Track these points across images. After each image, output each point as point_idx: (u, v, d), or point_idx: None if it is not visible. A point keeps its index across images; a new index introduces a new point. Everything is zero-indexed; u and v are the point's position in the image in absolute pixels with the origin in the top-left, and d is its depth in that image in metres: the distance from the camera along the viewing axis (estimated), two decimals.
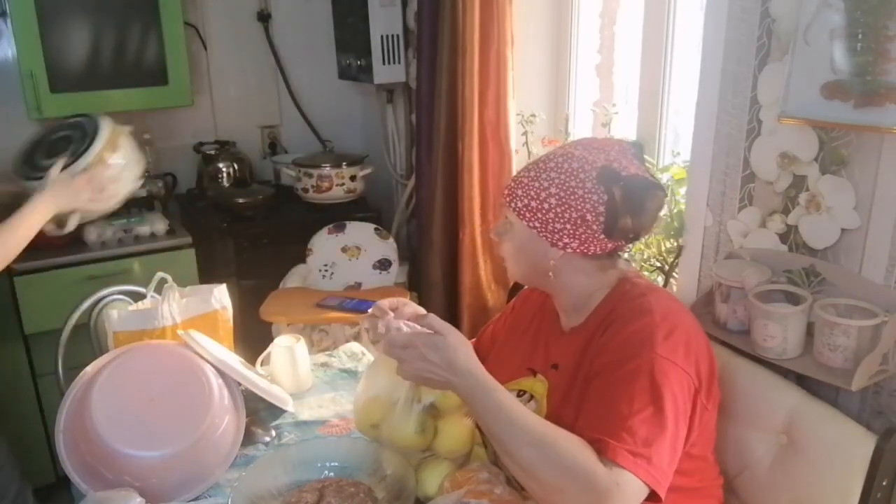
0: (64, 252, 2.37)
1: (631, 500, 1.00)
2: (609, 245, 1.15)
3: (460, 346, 1.07)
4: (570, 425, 1.06)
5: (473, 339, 1.52)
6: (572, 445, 1.00)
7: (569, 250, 1.15)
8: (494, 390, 1.04)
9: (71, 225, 1.70)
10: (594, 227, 1.13)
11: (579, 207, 1.12)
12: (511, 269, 1.26)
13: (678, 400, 1.05)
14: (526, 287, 1.46)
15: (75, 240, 2.44)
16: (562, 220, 1.14)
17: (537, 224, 1.16)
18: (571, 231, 1.14)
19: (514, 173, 1.25)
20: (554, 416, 1.14)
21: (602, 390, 1.08)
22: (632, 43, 2.04)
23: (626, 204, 1.12)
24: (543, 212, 1.15)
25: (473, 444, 1.24)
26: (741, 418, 1.32)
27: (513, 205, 1.18)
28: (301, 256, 2.59)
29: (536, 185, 1.16)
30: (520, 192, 1.17)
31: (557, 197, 1.13)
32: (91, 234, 2.44)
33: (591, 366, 1.13)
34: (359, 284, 2.59)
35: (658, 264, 1.81)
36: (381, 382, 1.24)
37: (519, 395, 1.24)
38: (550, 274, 1.18)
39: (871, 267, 1.27)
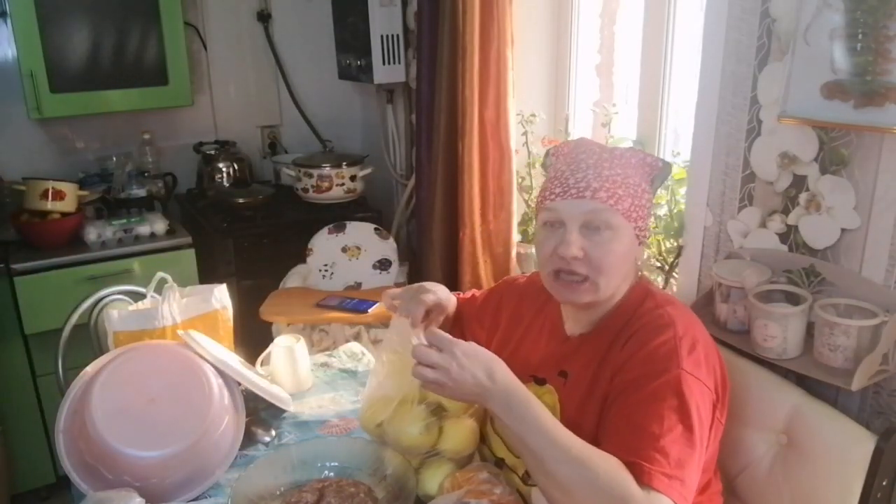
0: (64, 252, 2.37)
1: None
2: None
3: (497, 359, 1.02)
4: (587, 439, 1.03)
5: (459, 294, 1.48)
6: (610, 467, 0.97)
7: (644, 244, 1.14)
8: (532, 402, 1.00)
9: None
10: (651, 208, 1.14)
11: (650, 197, 1.13)
12: (601, 282, 1.10)
13: (702, 416, 1.03)
14: (512, 287, 1.40)
15: (75, 240, 2.45)
16: (649, 213, 1.12)
17: (640, 223, 1.10)
18: (648, 223, 1.13)
19: (582, 175, 1.08)
20: (568, 429, 1.11)
21: (630, 409, 1.03)
22: (632, 43, 2.04)
23: (657, 182, 1.16)
24: (640, 208, 1.10)
25: (477, 445, 1.24)
26: (741, 418, 1.32)
27: (620, 206, 1.07)
28: (301, 256, 2.59)
29: (631, 181, 1.09)
30: (622, 192, 1.07)
31: (647, 192, 1.12)
32: (91, 234, 2.44)
33: (611, 382, 1.09)
34: (359, 284, 2.59)
35: (658, 264, 1.81)
36: (388, 382, 1.23)
37: None
38: (639, 272, 1.15)
39: (871, 267, 1.27)
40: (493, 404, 1.01)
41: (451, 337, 1.02)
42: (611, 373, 1.10)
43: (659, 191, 1.74)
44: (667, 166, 1.18)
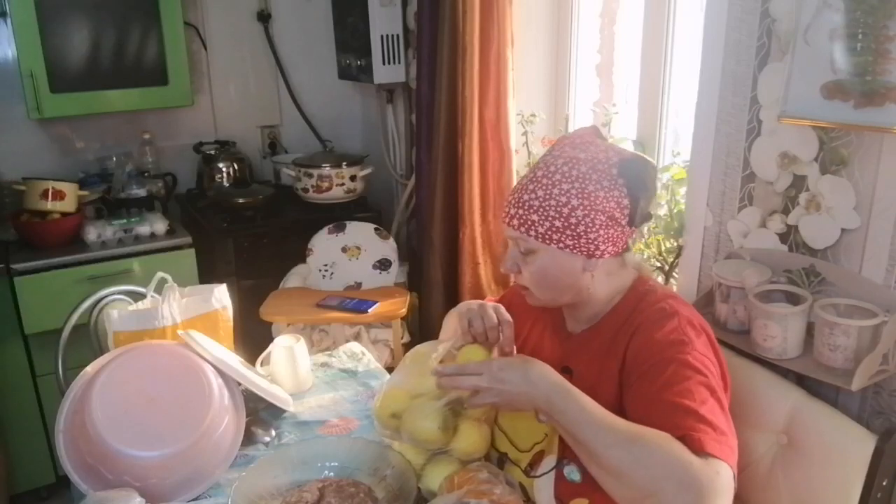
0: (64, 252, 2.37)
1: (729, 490, 0.97)
2: (630, 235, 1.14)
3: (531, 360, 1.06)
4: None
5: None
6: (661, 440, 0.96)
7: (606, 256, 1.12)
8: (573, 393, 1.02)
9: None
10: (622, 222, 1.11)
11: (606, 208, 1.09)
12: (541, 296, 1.17)
13: (720, 389, 1.06)
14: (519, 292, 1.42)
15: (75, 240, 2.45)
16: (594, 228, 1.09)
17: (569, 242, 1.10)
18: (605, 236, 1.10)
19: (511, 200, 1.15)
20: None
21: (657, 394, 1.03)
22: (632, 43, 2.04)
23: (639, 187, 1.11)
24: (573, 227, 1.09)
25: (487, 450, 1.23)
26: (741, 418, 1.31)
27: (532, 232, 1.11)
28: (301, 256, 2.59)
29: (553, 202, 1.09)
30: (536, 217, 1.10)
31: (583, 207, 1.08)
32: (91, 234, 2.45)
33: (621, 373, 1.10)
34: (359, 284, 2.59)
35: (658, 264, 1.81)
36: (411, 379, 1.23)
37: None
38: (589, 287, 1.14)
39: (871, 267, 1.27)
40: (538, 404, 1.04)
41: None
42: (618, 365, 1.11)
43: (659, 190, 1.74)
44: (628, 168, 1.10)
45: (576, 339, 1.21)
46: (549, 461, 1.14)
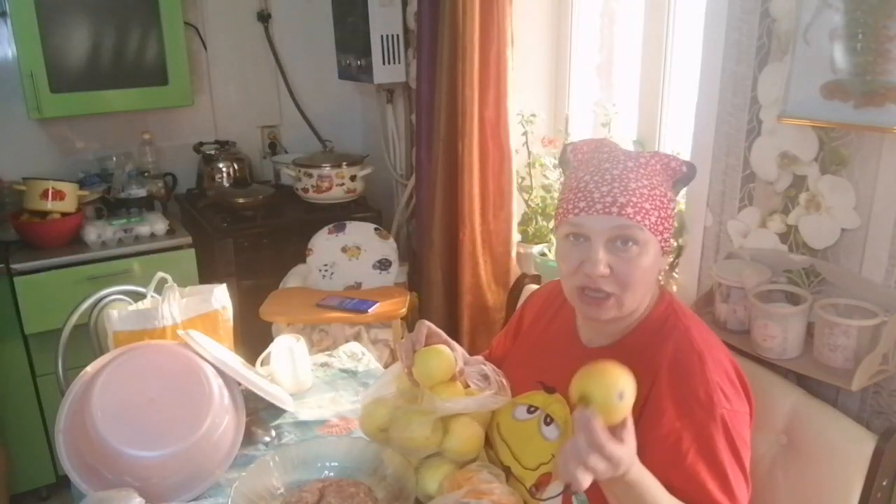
0: (64, 252, 2.37)
1: None
2: None
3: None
4: None
5: (485, 352, 1.44)
6: None
7: (668, 253, 1.10)
8: (652, 489, 0.96)
9: None
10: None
11: (674, 204, 1.09)
12: (634, 299, 1.07)
13: (746, 440, 1.04)
14: (534, 294, 1.39)
15: (75, 240, 2.45)
16: (672, 225, 1.07)
17: (665, 234, 1.05)
18: (672, 232, 1.08)
19: (607, 190, 1.04)
20: None
21: (688, 460, 1.00)
22: (632, 43, 2.04)
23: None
24: (667, 220, 1.06)
25: (480, 451, 1.22)
26: None
27: (647, 222, 1.03)
28: (301, 256, 2.59)
29: (658, 192, 1.05)
30: (649, 206, 1.03)
31: (672, 198, 1.08)
32: (91, 234, 2.44)
33: (644, 415, 1.04)
34: (359, 284, 2.59)
35: None
36: (383, 387, 1.24)
37: (530, 412, 1.18)
38: (659, 281, 1.10)
39: (871, 267, 1.27)
40: (619, 481, 0.93)
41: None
42: (640, 403, 1.01)
43: None
44: (691, 170, 1.12)
45: (592, 354, 1.11)
46: (557, 486, 1.09)
